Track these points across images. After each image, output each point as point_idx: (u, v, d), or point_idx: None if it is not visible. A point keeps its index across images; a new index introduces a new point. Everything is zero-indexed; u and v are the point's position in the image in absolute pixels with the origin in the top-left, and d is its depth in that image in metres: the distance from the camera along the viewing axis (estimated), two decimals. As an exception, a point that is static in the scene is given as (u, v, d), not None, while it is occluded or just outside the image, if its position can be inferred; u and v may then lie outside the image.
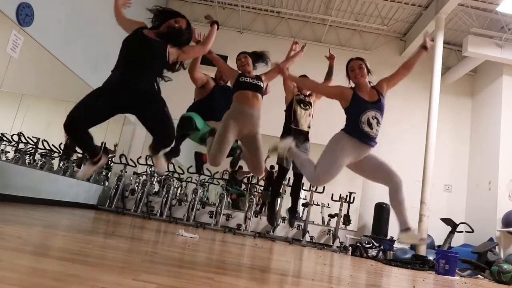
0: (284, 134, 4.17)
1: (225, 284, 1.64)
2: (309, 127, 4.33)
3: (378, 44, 9.06)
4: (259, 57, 3.53)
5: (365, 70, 2.82)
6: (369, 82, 2.87)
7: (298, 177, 4.30)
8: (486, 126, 8.21)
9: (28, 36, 4.71)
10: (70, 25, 5.59)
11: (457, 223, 6.47)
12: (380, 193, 8.16)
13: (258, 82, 3.32)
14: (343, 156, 2.68)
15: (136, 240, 2.89)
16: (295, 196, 4.44)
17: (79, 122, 2.54)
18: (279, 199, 4.41)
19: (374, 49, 9.01)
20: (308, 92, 4.42)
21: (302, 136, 4.24)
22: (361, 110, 2.69)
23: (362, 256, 6.40)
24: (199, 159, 3.98)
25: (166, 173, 7.91)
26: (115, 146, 8.04)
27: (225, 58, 8.73)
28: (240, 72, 3.40)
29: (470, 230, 6.49)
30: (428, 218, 6.52)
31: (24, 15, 4.54)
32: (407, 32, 8.91)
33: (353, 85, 2.86)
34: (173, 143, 3.75)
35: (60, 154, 6.29)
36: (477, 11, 7.58)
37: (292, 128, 4.17)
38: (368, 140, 2.69)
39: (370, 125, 2.69)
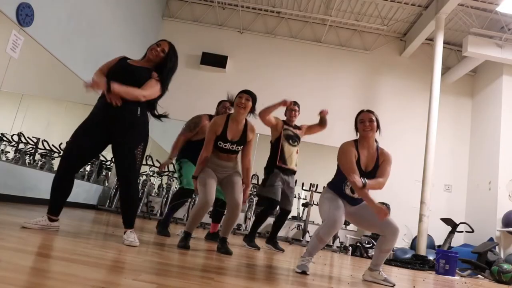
0: (270, 170, 4.13)
1: (225, 284, 1.64)
2: (296, 165, 4.25)
3: (378, 44, 9.06)
4: (254, 103, 3.15)
5: (375, 124, 2.70)
6: (376, 141, 2.77)
7: (286, 213, 4.27)
8: (486, 126, 8.21)
9: (28, 36, 4.71)
10: (70, 25, 5.59)
11: (457, 223, 6.47)
12: (380, 193, 8.16)
13: (237, 148, 3.12)
14: (336, 198, 2.67)
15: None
16: (276, 229, 4.35)
17: (69, 165, 2.47)
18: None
19: (374, 49, 9.01)
20: (294, 123, 4.32)
21: (289, 172, 4.20)
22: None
23: (362, 256, 6.40)
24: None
25: (166, 173, 7.92)
26: None
27: (225, 58, 8.75)
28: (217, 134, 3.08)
29: (470, 230, 6.49)
30: (428, 218, 6.52)
31: (24, 15, 4.54)
32: (407, 32, 8.91)
33: (357, 137, 2.78)
34: (166, 214, 4.00)
35: (60, 154, 6.29)
36: (477, 11, 7.59)
37: (280, 166, 4.10)
38: (349, 200, 2.69)
39: (352, 190, 2.66)
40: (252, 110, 3.12)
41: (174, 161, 4.15)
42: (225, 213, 3.22)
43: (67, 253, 1.73)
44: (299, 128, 4.38)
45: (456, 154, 8.62)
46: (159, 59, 2.65)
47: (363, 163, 2.69)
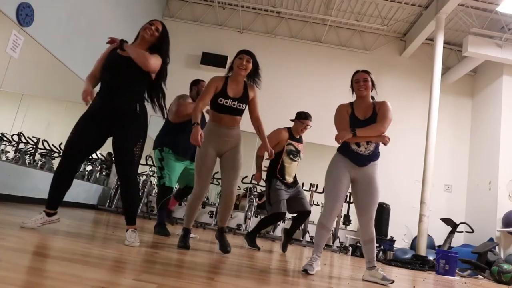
0: (270, 181, 4.08)
1: (225, 284, 1.64)
2: (294, 176, 4.20)
3: (378, 44, 9.07)
4: (257, 72, 2.99)
5: (370, 83, 2.80)
6: (372, 97, 2.84)
7: (307, 214, 4.11)
8: (486, 126, 8.21)
9: (28, 36, 4.71)
10: (70, 25, 5.59)
11: (457, 223, 6.46)
12: (380, 193, 8.16)
13: (240, 106, 2.89)
14: (339, 172, 2.70)
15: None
16: (297, 226, 4.23)
17: (74, 154, 2.48)
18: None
19: (374, 49, 9.01)
20: (298, 136, 4.19)
21: (290, 184, 4.15)
22: (352, 127, 2.69)
23: (362, 256, 6.39)
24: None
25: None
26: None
27: (225, 58, 8.75)
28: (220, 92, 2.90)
29: (470, 230, 6.49)
30: (428, 218, 6.52)
31: (24, 15, 4.54)
32: (407, 32, 8.91)
33: (354, 98, 2.86)
34: (158, 215, 3.93)
35: (60, 154, 6.29)
36: (477, 11, 7.59)
37: (279, 179, 4.04)
38: (356, 160, 2.70)
39: (358, 144, 2.70)
40: (252, 73, 2.92)
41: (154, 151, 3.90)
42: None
43: (67, 253, 1.73)
44: (301, 141, 4.23)
45: (456, 154, 8.62)
46: (154, 39, 2.62)
47: (360, 114, 2.75)
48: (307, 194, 7.73)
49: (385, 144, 2.72)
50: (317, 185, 7.57)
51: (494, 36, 7.46)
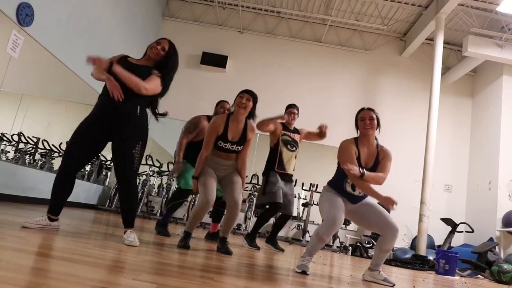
0: (268, 174, 4.14)
1: (225, 284, 1.64)
2: (293, 169, 4.25)
3: (378, 44, 9.07)
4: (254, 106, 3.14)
5: (376, 121, 2.72)
6: (376, 139, 2.79)
7: (287, 218, 4.25)
8: (486, 126, 8.21)
9: (28, 36, 4.71)
10: (70, 25, 5.59)
11: (457, 223, 6.47)
12: (380, 193, 8.16)
13: (237, 148, 3.11)
14: (337, 197, 2.67)
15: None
16: (277, 230, 4.35)
17: (73, 165, 2.49)
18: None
19: (374, 49, 9.01)
20: (293, 126, 4.30)
21: (287, 178, 4.21)
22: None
23: (362, 256, 6.40)
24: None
25: (166, 173, 7.91)
26: None
27: (225, 57, 8.75)
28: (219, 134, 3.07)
29: (470, 230, 6.49)
30: (428, 218, 6.52)
31: (24, 15, 4.54)
32: (407, 32, 8.91)
33: (357, 135, 2.81)
34: (164, 215, 4.03)
35: (60, 154, 6.29)
36: (477, 11, 7.59)
37: (278, 172, 4.10)
38: (349, 198, 2.69)
39: (354, 188, 2.67)
40: (253, 111, 3.09)
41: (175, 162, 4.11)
42: (225, 212, 3.22)
43: (67, 253, 1.73)
44: (298, 132, 4.33)
45: (456, 154, 8.62)
46: (159, 58, 2.64)
47: (363, 160, 2.70)
48: (307, 194, 7.77)
49: (388, 210, 2.68)
50: (317, 185, 7.57)
51: (494, 36, 7.46)
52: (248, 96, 3.03)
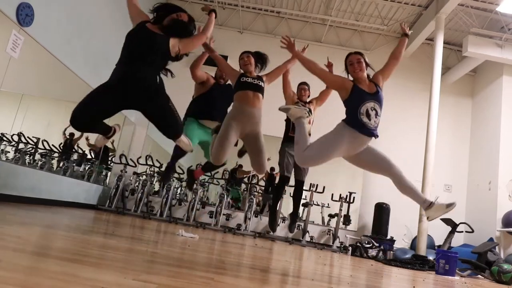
0: (285, 142, 4.26)
1: (225, 284, 1.64)
2: (309, 134, 4.31)
3: (378, 44, 9.07)
4: (261, 58, 3.62)
5: (364, 64, 2.84)
6: (367, 75, 2.89)
7: (299, 183, 4.30)
8: (486, 126, 8.21)
9: (28, 36, 4.71)
10: (70, 25, 5.59)
11: (457, 223, 6.46)
12: (380, 193, 8.16)
13: (259, 82, 3.36)
14: (338, 146, 2.70)
15: (136, 240, 2.89)
16: (296, 202, 4.38)
17: (82, 119, 2.56)
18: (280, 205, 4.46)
19: (374, 49, 9.01)
20: (308, 99, 4.45)
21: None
22: (360, 101, 2.70)
23: (362, 256, 6.40)
24: (191, 175, 4.05)
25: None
26: (112, 143, 8.03)
27: (225, 58, 8.73)
28: (241, 72, 3.42)
29: (470, 230, 6.49)
30: (428, 218, 6.51)
31: (24, 15, 4.54)
32: (407, 32, 8.90)
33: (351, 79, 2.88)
34: (170, 161, 3.95)
35: (60, 154, 6.30)
36: (477, 11, 7.59)
37: (291, 137, 4.11)
38: (366, 131, 2.70)
39: (368, 116, 2.70)
40: (258, 65, 3.54)
41: None
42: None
43: (67, 253, 1.73)
44: (310, 102, 4.50)
45: (456, 154, 8.62)
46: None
47: (365, 88, 2.77)
48: (306, 194, 7.77)
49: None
50: (317, 185, 7.56)
51: (494, 36, 7.46)
52: (246, 53, 3.49)
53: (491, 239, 6.94)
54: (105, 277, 1.35)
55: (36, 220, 3.05)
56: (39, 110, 6.05)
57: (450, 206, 2.57)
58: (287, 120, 4.36)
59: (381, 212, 7.53)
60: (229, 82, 3.82)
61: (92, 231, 3.04)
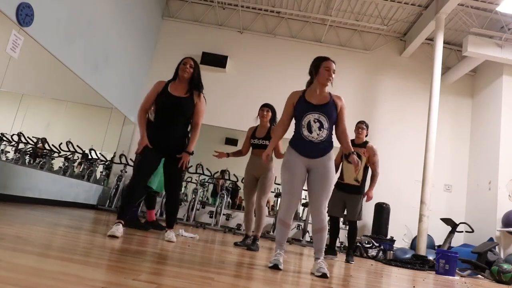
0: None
1: (225, 284, 1.64)
2: (356, 180, 4.58)
3: (378, 44, 9.07)
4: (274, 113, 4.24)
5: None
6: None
7: (352, 224, 4.72)
8: (486, 126, 8.21)
9: (28, 36, 4.71)
10: (70, 25, 5.59)
11: (457, 223, 6.47)
12: (380, 193, 8.16)
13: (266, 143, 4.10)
14: (294, 166, 2.62)
15: (136, 240, 2.89)
16: (350, 241, 4.81)
17: (136, 178, 3.06)
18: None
19: (374, 49, 9.01)
20: (362, 140, 4.60)
21: (347, 188, 4.61)
22: (303, 112, 2.65)
23: (362, 256, 6.40)
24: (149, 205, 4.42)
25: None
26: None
27: (225, 58, 8.75)
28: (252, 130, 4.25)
29: (470, 230, 6.49)
30: (428, 218, 6.52)
31: (24, 15, 4.54)
32: (407, 32, 8.91)
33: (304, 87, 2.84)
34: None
35: (60, 154, 6.30)
36: (477, 11, 7.59)
37: (338, 182, 4.58)
38: (310, 151, 2.61)
39: (310, 128, 2.63)
40: (273, 117, 4.18)
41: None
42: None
43: (67, 253, 1.73)
44: (364, 146, 4.57)
45: (456, 154, 8.62)
46: (190, 75, 3.23)
47: (315, 101, 2.70)
48: (306, 194, 7.76)
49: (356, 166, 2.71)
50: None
51: (494, 36, 7.46)
52: (266, 108, 4.19)
53: (491, 239, 6.94)
54: (105, 277, 1.35)
55: (36, 220, 3.05)
56: (39, 110, 6.05)
57: (319, 272, 2.48)
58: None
59: (381, 212, 7.53)
60: None
61: (92, 231, 3.03)
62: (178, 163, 3.14)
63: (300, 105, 2.70)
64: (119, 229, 2.83)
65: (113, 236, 2.71)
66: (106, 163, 7.94)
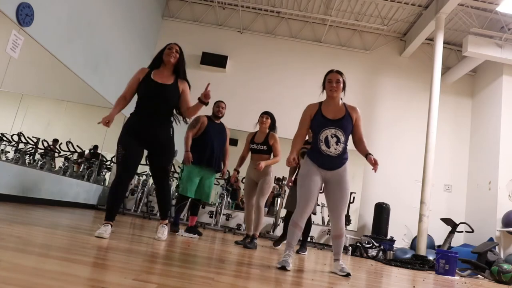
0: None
1: (225, 284, 1.64)
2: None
3: (378, 44, 9.07)
4: (274, 121, 4.38)
5: (342, 84, 2.82)
6: (341, 98, 2.89)
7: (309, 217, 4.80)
8: (486, 126, 8.21)
9: (28, 36, 4.71)
10: (70, 25, 5.59)
11: (457, 223, 6.47)
12: (380, 193, 8.16)
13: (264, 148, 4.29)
14: (312, 173, 2.74)
15: (136, 240, 2.89)
16: (304, 235, 4.95)
17: (124, 175, 2.83)
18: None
19: (374, 49, 9.02)
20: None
21: None
22: (321, 127, 2.74)
23: (362, 256, 6.40)
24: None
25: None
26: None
27: (224, 58, 8.75)
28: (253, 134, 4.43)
29: (470, 230, 6.49)
30: (428, 218, 6.52)
31: (24, 15, 4.54)
32: (407, 32, 8.92)
33: (324, 96, 2.90)
34: (174, 215, 4.51)
35: (60, 154, 6.29)
36: (477, 11, 7.59)
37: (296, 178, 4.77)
38: (329, 163, 2.73)
39: (327, 143, 2.72)
40: (273, 125, 4.33)
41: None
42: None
43: (67, 253, 1.73)
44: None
45: (456, 154, 8.63)
46: (176, 60, 3.01)
47: (330, 115, 2.78)
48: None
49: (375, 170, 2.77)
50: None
51: (494, 36, 7.46)
52: (266, 116, 4.33)
53: (491, 239, 6.95)
54: (105, 277, 1.35)
55: (36, 220, 3.05)
56: (39, 110, 6.04)
57: (342, 272, 2.76)
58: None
59: (381, 212, 7.53)
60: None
61: (92, 231, 3.03)
62: (164, 152, 2.97)
63: (317, 120, 2.78)
64: (107, 230, 2.66)
65: (101, 238, 2.56)
66: (106, 163, 7.93)
